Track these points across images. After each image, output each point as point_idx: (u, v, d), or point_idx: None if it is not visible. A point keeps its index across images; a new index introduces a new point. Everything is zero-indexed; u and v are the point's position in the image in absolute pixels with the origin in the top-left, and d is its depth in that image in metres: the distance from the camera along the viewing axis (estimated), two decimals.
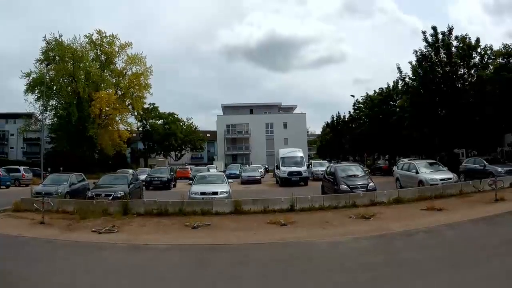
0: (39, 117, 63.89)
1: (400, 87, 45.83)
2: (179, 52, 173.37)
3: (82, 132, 63.17)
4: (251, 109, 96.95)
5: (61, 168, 45.77)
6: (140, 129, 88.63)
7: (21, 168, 45.46)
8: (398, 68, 39.10)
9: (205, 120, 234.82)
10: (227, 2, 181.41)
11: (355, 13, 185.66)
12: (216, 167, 59.23)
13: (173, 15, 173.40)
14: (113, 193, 21.04)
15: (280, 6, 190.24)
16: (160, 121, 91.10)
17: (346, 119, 73.77)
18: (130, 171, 43.45)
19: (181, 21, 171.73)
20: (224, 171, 45.45)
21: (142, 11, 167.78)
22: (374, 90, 58.68)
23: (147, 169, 55.00)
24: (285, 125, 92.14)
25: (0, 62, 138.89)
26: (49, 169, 47.34)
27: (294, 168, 36.56)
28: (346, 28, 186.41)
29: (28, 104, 64.34)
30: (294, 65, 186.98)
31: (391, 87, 53.35)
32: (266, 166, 68.78)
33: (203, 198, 19.45)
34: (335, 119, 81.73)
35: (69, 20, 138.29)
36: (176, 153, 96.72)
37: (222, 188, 21.39)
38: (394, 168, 32.05)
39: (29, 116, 66.40)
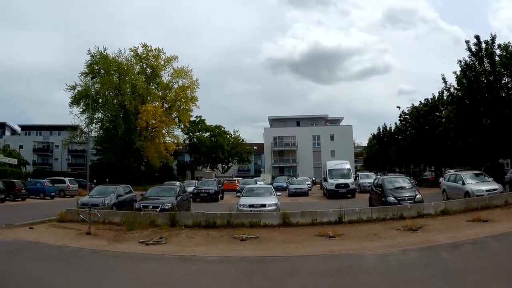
0: (85, 129, 64.47)
1: (445, 98, 45.16)
2: (224, 65, 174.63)
3: (128, 144, 63.63)
4: (297, 121, 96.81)
5: (107, 180, 46.34)
6: (187, 141, 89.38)
7: (66, 179, 46.30)
8: (443, 78, 38.64)
9: (251, 133, 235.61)
10: (270, 15, 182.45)
11: (398, 23, 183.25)
12: (263, 180, 59.12)
13: (218, 29, 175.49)
14: (160, 205, 21.11)
15: (322, 18, 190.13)
16: (207, 134, 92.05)
17: (393, 131, 72.93)
18: (178, 183, 43.73)
19: (225, 34, 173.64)
20: (271, 184, 45.11)
21: (187, 25, 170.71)
22: (420, 101, 58.03)
23: (194, 181, 55.34)
24: (332, 137, 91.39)
25: (44, 75, 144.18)
26: (94, 180, 48.05)
27: (342, 180, 36.08)
28: (389, 39, 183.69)
29: (73, 116, 65.68)
30: (339, 76, 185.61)
31: (436, 97, 52.76)
32: (313, 179, 67.65)
33: (251, 211, 19.28)
34: (381, 130, 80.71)
35: (113, 34, 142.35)
36: (223, 165, 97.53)
37: (271, 200, 21.19)
38: (441, 179, 31.72)
39: (74, 128, 66.83)
